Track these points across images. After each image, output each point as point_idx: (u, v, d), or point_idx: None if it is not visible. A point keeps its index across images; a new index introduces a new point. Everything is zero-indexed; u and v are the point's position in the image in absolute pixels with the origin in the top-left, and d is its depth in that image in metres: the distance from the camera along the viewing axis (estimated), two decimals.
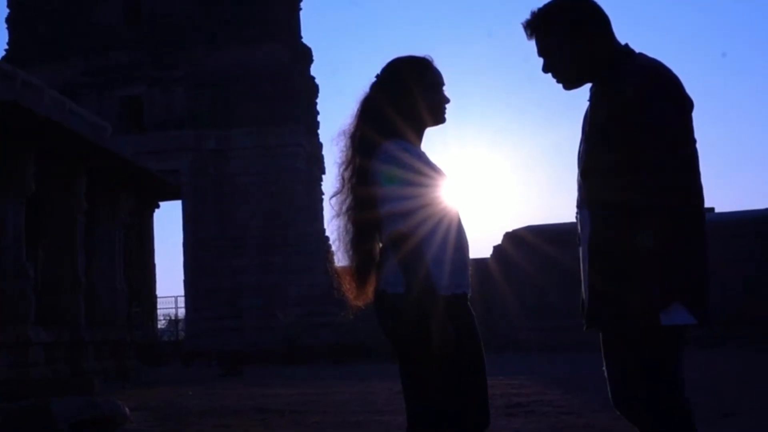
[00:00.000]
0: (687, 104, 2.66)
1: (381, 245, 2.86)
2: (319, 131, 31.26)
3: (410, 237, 2.68)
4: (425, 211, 2.75)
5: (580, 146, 2.79)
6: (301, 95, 29.09)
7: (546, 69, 2.81)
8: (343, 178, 2.88)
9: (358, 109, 2.91)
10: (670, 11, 76.95)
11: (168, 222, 56.04)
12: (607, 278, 2.66)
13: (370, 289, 2.86)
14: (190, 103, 27.68)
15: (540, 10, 2.78)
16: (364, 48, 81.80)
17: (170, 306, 30.58)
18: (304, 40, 31.08)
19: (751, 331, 20.92)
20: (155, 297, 24.26)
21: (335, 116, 56.44)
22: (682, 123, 2.62)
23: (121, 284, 15.53)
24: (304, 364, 19.61)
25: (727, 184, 71.91)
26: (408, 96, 2.85)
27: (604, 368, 2.80)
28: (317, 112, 31.28)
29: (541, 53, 2.81)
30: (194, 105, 27.69)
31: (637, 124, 2.57)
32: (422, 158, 2.82)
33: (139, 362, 16.22)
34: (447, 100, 2.92)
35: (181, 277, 27.08)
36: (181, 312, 29.38)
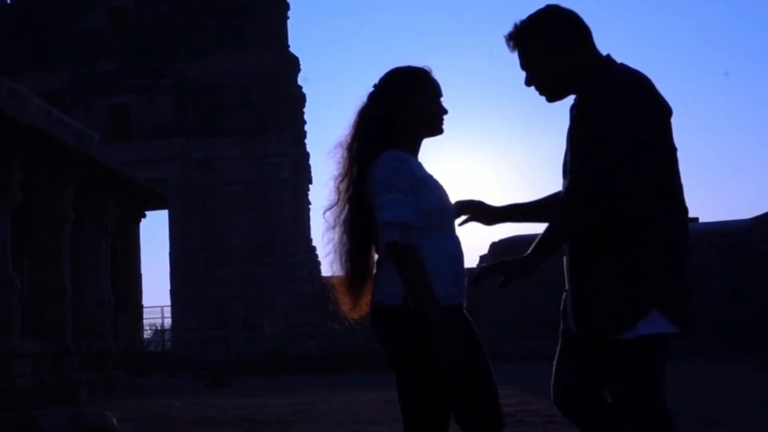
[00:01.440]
0: (663, 112, 2.66)
1: (376, 256, 2.83)
2: (307, 141, 31.32)
3: (408, 248, 2.65)
4: (423, 222, 2.71)
5: (565, 156, 2.81)
6: (287, 104, 29.12)
7: (529, 82, 2.82)
8: (338, 190, 2.84)
9: (355, 120, 2.87)
10: (673, 31, 77.29)
11: (154, 231, 55.90)
12: (591, 288, 2.67)
13: (366, 301, 2.83)
14: (177, 112, 27.67)
15: (523, 22, 2.79)
16: (356, 58, 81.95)
17: (156, 316, 30.51)
18: (292, 49, 31.18)
19: (735, 340, 21.05)
20: (141, 307, 24.21)
21: (323, 125, 56.48)
22: (658, 131, 2.62)
23: (108, 294, 15.48)
24: (290, 375, 19.58)
25: (714, 195, 72.43)
26: (406, 106, 2.81)
27: (554, 362, 2.84)
28: (304, 122, 31.33)
29: (524, 66, 2.81)
30: (181, 114, 27.68)
31: (612, 133, 2.56)
32: (420, 169, 2.79)
33: (125, 372, 16.15)
34: (445, 111, 2.89)
35: (168, 286, 27.06)
36: (168, 322, 29.33)
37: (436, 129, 2.89)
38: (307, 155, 31.06)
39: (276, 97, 28.09)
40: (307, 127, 31.49)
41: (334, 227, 2.85)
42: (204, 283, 26.50)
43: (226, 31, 28.06)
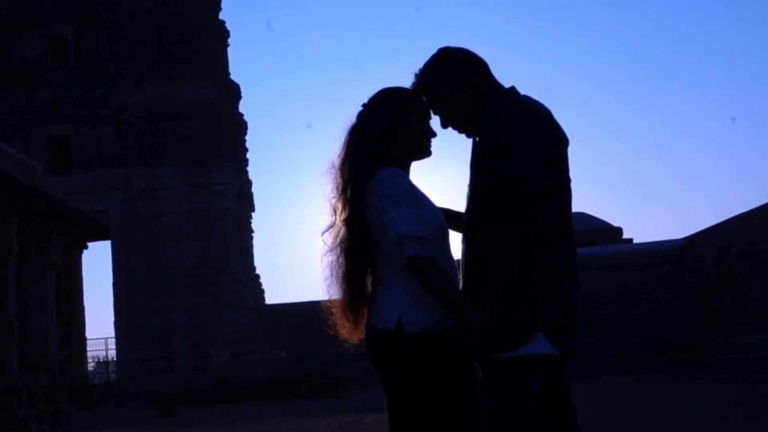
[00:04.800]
0: (557, 142, 2.71)
1: (371, 278, 2.79)
2: (249, 168, 31.35)
3: (429, 259, 2.63)
4: (433, 234, 2.70)
5: (468, 187, 2.86)
6: (229, 132, 29.13)
7: (444, 124, 2.85)
8: (334, 211, 2.82)
9: (345, 140, 2.85)
10: (679, 76, 78.37)
11: (96, 263, 54.87)
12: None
13: (364, 324, 2.80)
14: (119, 142, 27.46)
15: (421, 70, 2.85)
16: (296, 84, 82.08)
17: (100, 348, 30.05)
18: (233, 77, 31.22)
19: (671, 357, 21.64)
20: (85, 339, 23.87)
21: (265, 153, 56.23)
22: (548, 161, 2.65)
23: (54, 326, 15.29)
24: (238, 403, 19.50)
25: (647, 217, 74.08)
26: (394, 127, 2.80)
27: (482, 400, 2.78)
28: (246, 149, 31.35)
29: (434, 111, 2.86)
30: (123, 143, 27.48)
31: (498, 163, 2.63)
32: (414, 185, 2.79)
33: (72, 406, 15.93)
34: (433, 134, 2.88)
35: (111, 318, 26.70)
36: (112, 353, 28.90)
37: (424, 151, 2.87)
38: (249, 183, 31.07)
39: (218, 125, 28.08)
40: (248, 155, 31.56)
41: (332, 249, 2.81)
42: (148, 313, 26.23)
43: (167, 60, 28.00)
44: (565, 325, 2.67)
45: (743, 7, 72.84)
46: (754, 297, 19.64)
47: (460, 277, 2.79)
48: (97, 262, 58.31)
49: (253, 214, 31.09)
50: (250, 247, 30.50)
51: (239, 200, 29.23)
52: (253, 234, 30.97)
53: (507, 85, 2.87)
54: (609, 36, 74.99)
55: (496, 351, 2.62)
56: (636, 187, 75.55)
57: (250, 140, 58.62)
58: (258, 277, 30.01)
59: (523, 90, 2.86)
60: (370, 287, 2.81)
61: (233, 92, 30.75)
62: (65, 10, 28.04)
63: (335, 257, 2.80)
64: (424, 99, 2.85)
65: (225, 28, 30.68)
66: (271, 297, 30.43)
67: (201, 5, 28.91)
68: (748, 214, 19.48)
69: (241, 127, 30.91)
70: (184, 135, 27.60)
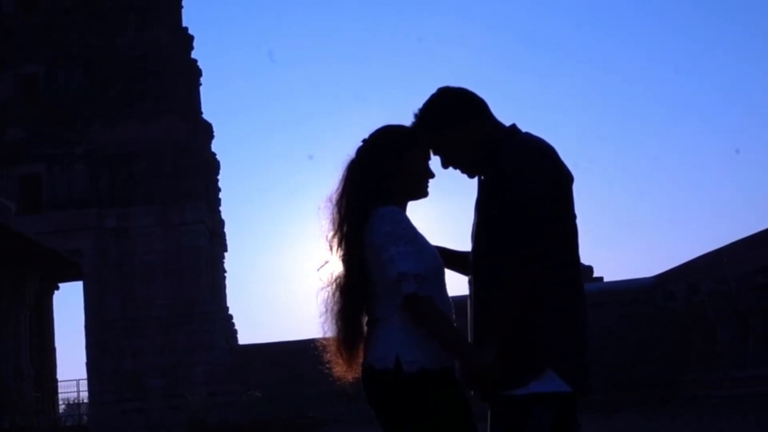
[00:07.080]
0: (562, 179, 2.72)
1: (368, 317, 2.76)
2: (221, 208, 31.30)
3: (426, 299, 2.63)
4: (431, 273, 2.69)
5: (473, 226, 2.87)
6: (202, 171, 29.09)
7: (445, 164, 2.85)
8: (330, 247, 2.78)
9: (343, 175, 2.82)
10: (682, 108, 79.06)
11: (68, 303, 53.64)
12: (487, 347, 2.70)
13: (359, 363, 2.75)
14: (91, 181, 27.31)
15: (420, 110, 2.83)
16: (269, 123, 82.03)
17: (72, 390, 29.54)
18: (205, 116, 31.24)
19: (644, 393, 21.82)
20: (56, 380, 23.50)
21: (237, 192, 55.99)
22: (555, 199, 2.67)
23: (27, 368, 15.13)
24: None
25: (617, 255, 74.52)
26: (393, 165, 2.77)
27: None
28: (219, 189, 31.32)
29: (434, 151, 2.84)
30: (95, 183, 27.33)
31: (504, 198, 2.65)
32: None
33: None
34: (431, 175, 2.84)
35: (83, 359, 26.32)
36: (84, 395, 28.43)
37: (421, 192, 2.84)
38: (222, 222, 31.01)
39: (190, 165, 28.04)
40: (221, 194, 31.53)
41: (328, 285, 2.78)
42: (121, 353, 25.90)
43: (139, 99, 27.99)
44: (576, 359, 2.66)
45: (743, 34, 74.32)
46: (723, 334, 19.94)
47: (469, 316, 2.80)
48: (68, 303, 57.30)
49: (225, 253, 30.99)
50: (223, 286, 30.35)
51: (212, 239, 29.12)
52: (225, 274, 30.85)
53: (507, 122, 2.89)
54: (604, 71, 75.89)
55: (506, 388, 2.61)
56: (606, 225, 76.23)
57: (228, 177, 58.39)
58: (231, 317, 29.84)
59: (518, 121, 2.89)
60: (365, 325, 2.78)
61: (205, 131, 30.79)
62: (36, 49, 27.99)
63: (330, 294, 2.77)
64: (424, 139, 2.84)
65: (197, 67, 30.78)
66: (244, 337, 30.27)
67: (172, 45, 29.03)
68: (718, 252, 19.82)
69: (213, 166, 30.92)
70: (156, 174, 27.52)
